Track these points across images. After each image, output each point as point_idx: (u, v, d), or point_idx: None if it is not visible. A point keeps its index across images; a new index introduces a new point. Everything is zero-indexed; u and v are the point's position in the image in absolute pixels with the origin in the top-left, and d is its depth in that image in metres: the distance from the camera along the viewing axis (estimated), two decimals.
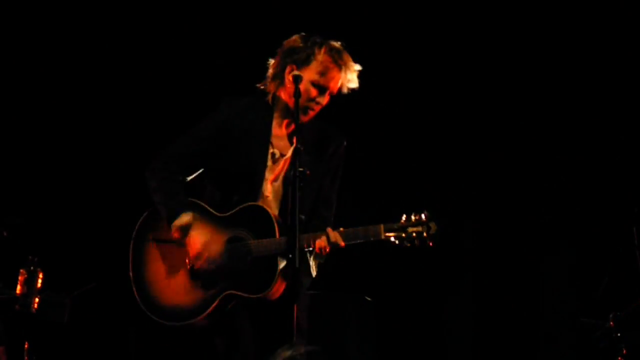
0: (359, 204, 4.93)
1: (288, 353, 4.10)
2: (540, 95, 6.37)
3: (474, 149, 6.42)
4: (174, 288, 4.21)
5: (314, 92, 4.20)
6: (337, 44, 4.25)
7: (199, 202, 4.27)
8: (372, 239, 4.10)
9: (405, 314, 6.47)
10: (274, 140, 4.29)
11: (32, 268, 5.08)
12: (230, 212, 4.20)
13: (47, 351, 5.48)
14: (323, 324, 4.45)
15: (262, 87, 4.35)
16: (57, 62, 6.29)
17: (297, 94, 4.11)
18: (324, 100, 4.22)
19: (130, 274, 4.29)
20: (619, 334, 4.95)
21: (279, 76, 4.30)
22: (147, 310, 4.23)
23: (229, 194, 4.24)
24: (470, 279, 6.52)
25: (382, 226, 4.09)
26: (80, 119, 6.34)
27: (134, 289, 4.27)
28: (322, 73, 4.20)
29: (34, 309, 5.05)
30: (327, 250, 4.08)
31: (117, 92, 6.35)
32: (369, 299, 5.98)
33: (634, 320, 4.96)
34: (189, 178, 4.35)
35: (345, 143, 4.37)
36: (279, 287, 4.12)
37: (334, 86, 4.22)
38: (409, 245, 4.08)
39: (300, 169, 3.89)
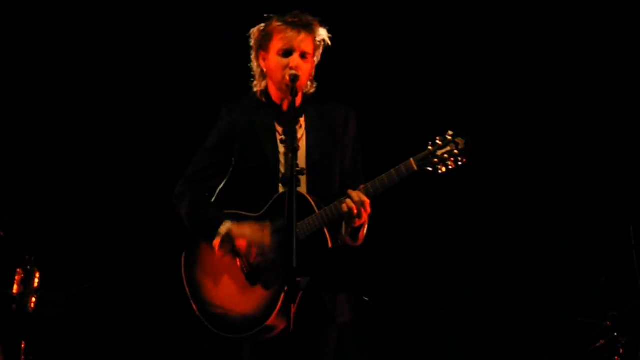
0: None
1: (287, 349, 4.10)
2: (538, 96, 6.37)
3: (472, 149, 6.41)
4: (238, 300, 4.21)
5: (283, 60, 4.22)
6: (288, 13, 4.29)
7: (231, 212, 4.28)
8: (405, 175, 4.08)
9: (402, 315, 6.48)
10: (278, 127, 4.32)
11: (28, 267, 5.07)
12: (265, 209, 4.22)
13: (44, 350, 5.47)
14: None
15: (255, 89, 4.39)
16: (55, 61, 6.29)
17: (293, 92, 4.14)
18: (297, 62, 4.20)
19: (194, 308, 4.27)
20: (616, 334, 4.95)
21: (261, 73, 4.34)
22: (219, 331, 4.21)
23: (251, 193, 4.27)
24: (467, 279, 6.53)
25: (412, 160, 4.09)
26: (77, 118, 6.34)
27: (205, 322, 4.25)
28: (281, 39, 4.21)
29: (30, 308, 5.05)
30: (355, 210, 4.06)
31: (114, 90, 6.35)
32: (366, 299, 5.98)
33: (631, 319, 4.96)
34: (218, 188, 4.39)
35: (353, 114, 4.38)
36: None
37: (298, 46, 4.20)
38: (444, 169, 4.07)
39: (298, 169, 3.92)
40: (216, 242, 4.19)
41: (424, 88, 6.39)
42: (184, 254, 4.35)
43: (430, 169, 4.09)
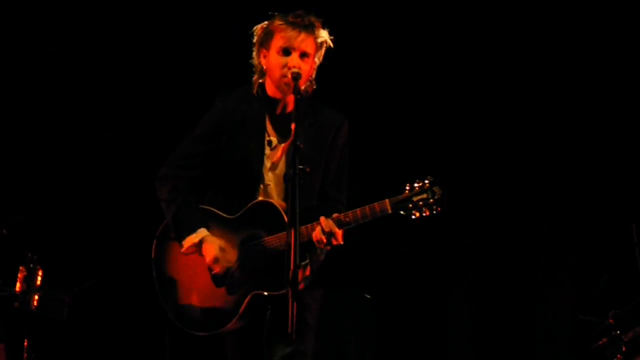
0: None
1: (287, 350, 4.10)
2: (539, 95, 6.37)
3: (471, 148, 6.43)
4: (200, 298, 4.22)
5: (282, 59, 4.20)
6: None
7: (208, 208, 4.28)
8: (379, 215, 4.01)
9: (405, 312, 6.48)
10: (269, 127, 4.30)
11: (31, 265, 5.08)
12: (240, 213, 4.21)
13: (46, 348, 5.48)
14: (322, 322, 4.44)
15: (253, 84, 4.37)
16: (56, 61, 6.30)
17: (296, 90, 4.11)
18: (296, 62, 4.17)
19: (159, 291, 4.31)
20: (618, 332, 4.96)
21: (261, 70, 4.31)
22: (180, 324, 4.24)
23: (231, 190, 4.25)
24: (469, 277, 6.53)
25: (387, 201, 4.02)
26: (79, 117, 6.35)
27: (165, 305, 4.28)
28: (281, 37, 4.19)
29: (33, 307, 5.05)
30: (325, 241, 4.02)
31: (114, 90, 6.36)
32: (369, 296, 5.98)
33: (633, 317, 4.97)
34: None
35: (346, 123, 4.34)
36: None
37: (298, 46, 4.18)
38: (417, 215, 4.00)
39: (300, 167, 3.87)
40: (186, 242, 4.19)
41: (420, 95, 6.42)
42: (155, 242, 4.34)
43: (403, 213, 4.01)
